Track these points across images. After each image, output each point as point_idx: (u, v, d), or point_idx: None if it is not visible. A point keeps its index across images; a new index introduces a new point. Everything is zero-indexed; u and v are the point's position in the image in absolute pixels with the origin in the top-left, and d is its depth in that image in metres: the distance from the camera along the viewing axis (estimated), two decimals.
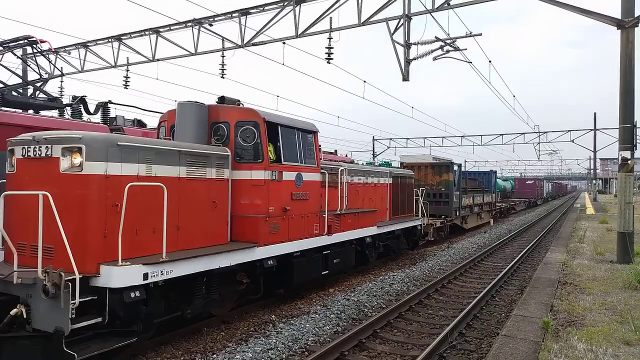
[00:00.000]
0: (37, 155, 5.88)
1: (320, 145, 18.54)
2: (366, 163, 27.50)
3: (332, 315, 8.37)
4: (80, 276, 5.20)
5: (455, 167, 21.51)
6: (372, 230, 12.23)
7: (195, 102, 8.18)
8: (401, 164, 22.17)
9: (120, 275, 5.57)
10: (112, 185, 5.84)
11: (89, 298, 5.45)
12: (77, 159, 5.68)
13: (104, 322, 5.53)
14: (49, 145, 5.80)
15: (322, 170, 9.68)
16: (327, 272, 10.03)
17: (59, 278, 5.01)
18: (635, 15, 11.66)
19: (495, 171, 34.00)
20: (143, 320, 6.03)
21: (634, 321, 6.79)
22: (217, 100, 8.62)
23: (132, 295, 5.66)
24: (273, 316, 8.49)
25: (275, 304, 9.29)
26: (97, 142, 5.81)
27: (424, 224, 16.46)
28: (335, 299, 9.59)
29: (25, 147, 5.99)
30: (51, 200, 5.11)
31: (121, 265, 5.60)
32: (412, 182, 15.89)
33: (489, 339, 7.44)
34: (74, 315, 5.09)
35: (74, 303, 5.07)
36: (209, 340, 7.20)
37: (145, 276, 5.79)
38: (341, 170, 10.80)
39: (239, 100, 8.77)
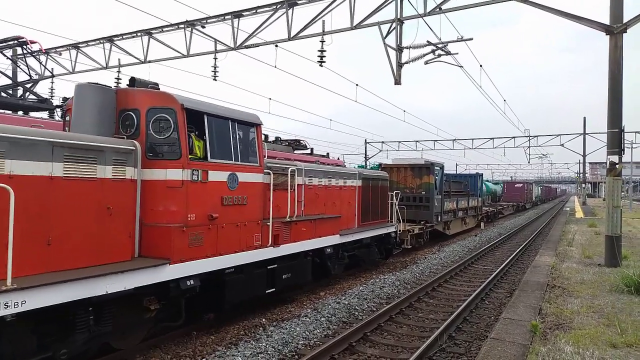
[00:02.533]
0: None
1: (304, 146, 17.65)
2: (358, 166, 27.56)
3: (322, 319, 8.37)
4: None
5: (437, 169, 20.18)
6: (334, 240, 10.84)
7: (97, 84, 6.83)
8: (379, 165, 21.61)
9: None
10: None
11: None
12: None
13: None
14: None
15: (266, 170, 8.31)
16: (273, 289, 8.65)
17: None
18: (624, 21, 11.83)
19: (482, 174, 33.09)
20: None
21: (621, 324, 6.86)
22: (128, 82, 7.30)
23: None
24: (263, 319, 8.48)
25: (266, 307, 9.27)
26: None
27: (399, 231, 15.26)
28: (326, 302, 9.59)
29: None
30: None
31: None
32: (386, 184, 14.59)
33: (478, 342, 7.49)
34: None
35: None
36: (199, 344, 7.18)
37: None
38: (292, 170, 9.28)
39: (155, 83, 7.36)
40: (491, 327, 8.00)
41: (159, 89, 7.21)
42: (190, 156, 6.69)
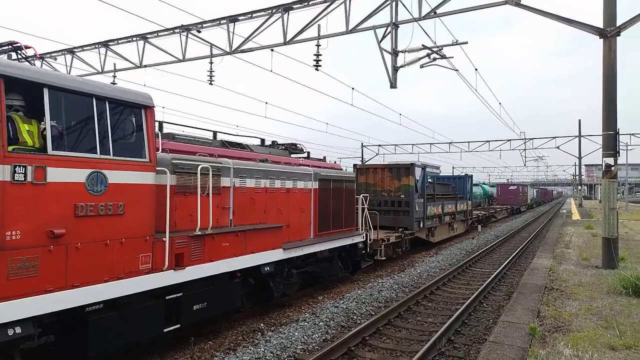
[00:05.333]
0: None
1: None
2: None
3: (321, 323, 8.34)
4: None
5: (419, 170, 18.20)
6: (274, 255, 8.61)
7: None
8: (354, 166, 20.88)
9: None
10: None
11: None
12: None
13: None
14: None
15: (161, 168, 6.26)
16: (178, 326, 6.56)
17: None
18: (617, 25, 11.91)
19: (471, 175, 31.11)
20: None
21: (619, 326, 6.88)
22: None
23: None
24: (262, 324, 8.44)
25: (264, 311, 9.23)
26: None
27: (370, 240, 13.21)
28: (324, 306, 9.57)
29: None
30: None
31: None
32: (352, 187, 12.46)
33: (477, 345, 7.48)
34: None
35: None
36: (197, 350, 7.12)
37: None
38: (203, 168, 7.11)
39: None
40: (490, 330, 7.98)
41: None
42: (16, 146, 4.81)
